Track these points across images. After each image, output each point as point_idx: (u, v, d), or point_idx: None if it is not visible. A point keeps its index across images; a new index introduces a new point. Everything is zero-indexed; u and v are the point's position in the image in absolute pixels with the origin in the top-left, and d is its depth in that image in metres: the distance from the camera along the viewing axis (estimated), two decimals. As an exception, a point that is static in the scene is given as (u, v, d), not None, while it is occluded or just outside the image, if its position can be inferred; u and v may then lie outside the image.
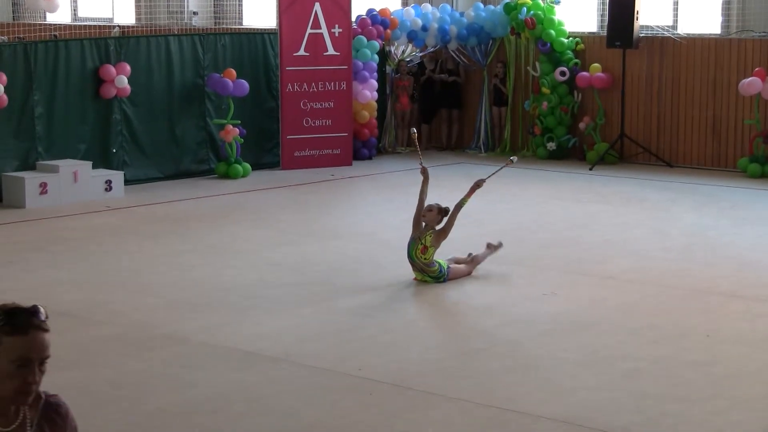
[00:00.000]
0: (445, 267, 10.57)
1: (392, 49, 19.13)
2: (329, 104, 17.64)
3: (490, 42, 19.37)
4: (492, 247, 11.11)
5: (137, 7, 24.05)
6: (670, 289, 10.42)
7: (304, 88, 17.42)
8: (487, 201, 14.92)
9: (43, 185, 14.52)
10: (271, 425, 7.11)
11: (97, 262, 11.53)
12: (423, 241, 10.48)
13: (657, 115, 18.19)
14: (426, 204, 10.70)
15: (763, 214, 14.04)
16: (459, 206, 10.69)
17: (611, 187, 16.04)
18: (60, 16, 23.78)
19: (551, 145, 18.62)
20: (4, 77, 14.57)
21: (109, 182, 15.14)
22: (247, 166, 16.88)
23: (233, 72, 16.65)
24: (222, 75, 16.60)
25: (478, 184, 10.89)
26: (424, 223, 10.60)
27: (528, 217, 13.95)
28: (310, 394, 7.64)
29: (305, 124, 17.52)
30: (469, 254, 11.05)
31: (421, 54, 19.34)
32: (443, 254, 10.70)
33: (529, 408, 7.32)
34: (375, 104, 18.49)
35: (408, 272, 10.67)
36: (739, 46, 17.40)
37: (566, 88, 18.60)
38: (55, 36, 19.16)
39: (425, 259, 10.47)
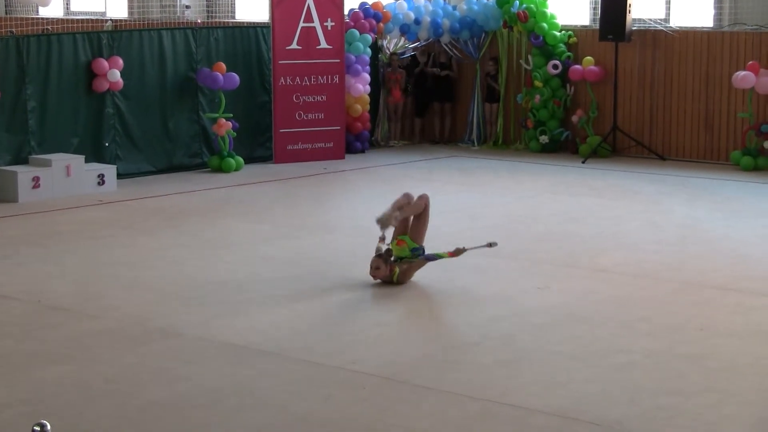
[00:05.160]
0: (416, 250, 10.41)
1: (385, 42, 19.12)
2: (322, 98, 17.63)
3: (483, 35, 19.37)
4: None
5: (130, 1, 24.02)
6: (663, 282, 10.43)
7: (297, 82, 17.41)
8: (480, 194, 14.95)
9: (36, 179, 14.50)
10: (264, 419, 7.11)
11: (89, 256, 11.52)
12: (399, 280, 10.35)
13: (650, 108, 18.20)
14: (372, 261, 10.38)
15: (755, 206, 14.06)
16: (432, 256, 10.35)
17: (604, 181, 16.06)
18: (52, 10, 23.79)
19: (544, 139, 18.63)
20: (-3, 71, 14.58)
21: (101, 176, 15.13)
22: (240, 159, 16.88)
23: (223, 65, 16.64)
24: (212, 69, 16.60)
25: (459, 251, 10.33)
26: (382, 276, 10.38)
27: (521, 210, 13.95)
28: (303, 388, 7.64)
29: (298, 118, 17.51)
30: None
31: (413, 47, 19.33)
32: (435, 248, 10.66)
33: (523, 401, 7.33)
34: (368, 98, 18.47)
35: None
36: (731, 39, 17.41)
37: (559, 81, 18.61)
38: (47, 30, 19.14)
39: (412, 272, 10.42)
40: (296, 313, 9.46)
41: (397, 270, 10.28)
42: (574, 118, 18.45)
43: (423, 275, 10.45)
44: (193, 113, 16.80)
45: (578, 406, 7.25)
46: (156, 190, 15.25)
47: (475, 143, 19.48)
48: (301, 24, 17.34)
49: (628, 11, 17.52)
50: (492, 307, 9.73)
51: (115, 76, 15.68)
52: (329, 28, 17.52)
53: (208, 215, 13.60)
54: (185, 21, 22.11)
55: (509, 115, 19.33)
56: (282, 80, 17.32)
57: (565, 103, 18.67)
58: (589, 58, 18.37)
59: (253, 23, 20.08)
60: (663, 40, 17.97)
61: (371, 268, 10.33)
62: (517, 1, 18.62)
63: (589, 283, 10.39)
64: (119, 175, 15.54)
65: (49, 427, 5.12)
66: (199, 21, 21.12)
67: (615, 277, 10.60)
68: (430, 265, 10.44)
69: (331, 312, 9.54)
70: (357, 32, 18.20)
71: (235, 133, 16.75)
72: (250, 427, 6.99)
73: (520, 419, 7.07)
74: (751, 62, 16.81)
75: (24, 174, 14.48)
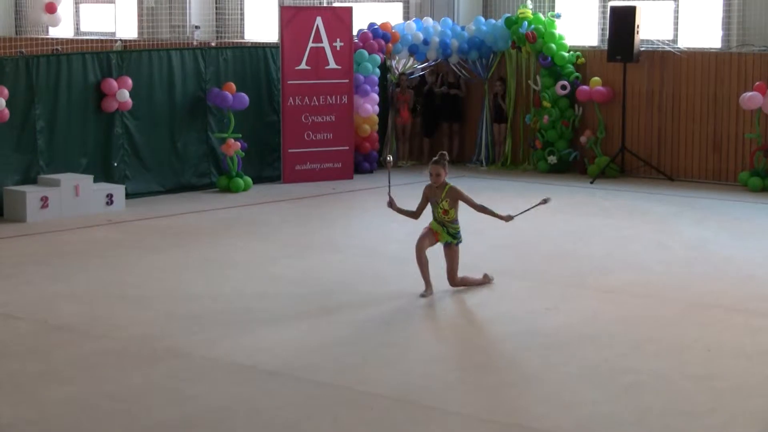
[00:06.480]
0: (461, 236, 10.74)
1: (393, 62, 19.15)
2: (330, 118, 17.66)
3: (491, 56, 19.39)
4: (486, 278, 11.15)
5: (139, 21, 24.11)
6: (670, 302, 10.41)
7: (306, 102, 17.45)
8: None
9: (44, 199, 14.53)
10: (272, 439, 7.11)
11: (97, 275, 11.54)
12: (442, 205, 10.63)
13: (658, 128, 18.21)
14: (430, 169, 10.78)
15: (763, 227, 14.04)
16: (490, 212, 10.67)
17: (612, 201, 16.05)
18: (62, 30, 23.87)
19: (552, 159, 18.63)
20: (6, 91, 14.60)
21: (110, 196, 15.15)
22: (249, 179, 16.90)
23: (233, 85, 16.68)
24: (221, 89, 16.64)
25: (510, 217, 10.75)
26: (436, 187, 10.71)
27: (529, 230, 13.93)
28: (310, 408, 7.63)
29: (306, 138, 17.54)
30: (485, 275, 11.08)
31: (421, 67, 19.37)
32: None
33: (531, 422, 7.32)
34: (376, 118, 18.50)
35: (408, 285, 10.69)
36: (739, 60, 17.42)
37: (567, 101, 18.63)
38: (57, 50, 19.20)
39: (449, 218, 10.62)
40: (303, 333, 9.46)
41: (449, 185, 10.64)
42: (583, 139, 18.45)
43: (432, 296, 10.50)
44: (202, 133, 16.83)
45: (586, 426, 7.23)
46: (164, 209, 15.27)
47: (484, 163, 19.48)
48: (310, 44, 17.39)
49: (636, 32, 17.55)
50: (500, 327, 9.73)
51: (124, 96, 15.72)
52: (338, 48, 17.57)
53: (217, 235, 13.62)
54: (195, 41, 22.19)
55: (518, 135, 19.34)
56: (291, 100, 17.35)
57: (573, 123, 18.68)
58: (597, 78, 18.39)
59: (262, 43, 20.14)
60: (671, 61, 17.98)
61: (431, 175, 10.70)
62: (526, 22, 18.66)
63: (597, 304, 10.38)
64: (128, 195, 15.56)
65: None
66: (212, 44, 21.20)
67: (622, 298, 10.59)
68: (439, 283, 10.57)
69: (339, 332, 9.53)
70: (366, 52, 18.24)
71: (243, 153, 16.77)
72: (256, 446, 6.99)
73: (527, 440, 7.06)
74: (758, 83, 16.80)
75: (32, 194, 14.50)
